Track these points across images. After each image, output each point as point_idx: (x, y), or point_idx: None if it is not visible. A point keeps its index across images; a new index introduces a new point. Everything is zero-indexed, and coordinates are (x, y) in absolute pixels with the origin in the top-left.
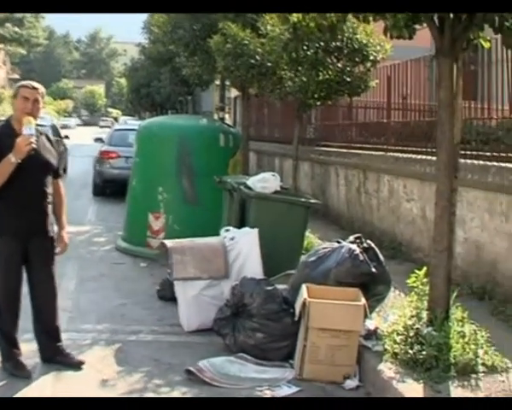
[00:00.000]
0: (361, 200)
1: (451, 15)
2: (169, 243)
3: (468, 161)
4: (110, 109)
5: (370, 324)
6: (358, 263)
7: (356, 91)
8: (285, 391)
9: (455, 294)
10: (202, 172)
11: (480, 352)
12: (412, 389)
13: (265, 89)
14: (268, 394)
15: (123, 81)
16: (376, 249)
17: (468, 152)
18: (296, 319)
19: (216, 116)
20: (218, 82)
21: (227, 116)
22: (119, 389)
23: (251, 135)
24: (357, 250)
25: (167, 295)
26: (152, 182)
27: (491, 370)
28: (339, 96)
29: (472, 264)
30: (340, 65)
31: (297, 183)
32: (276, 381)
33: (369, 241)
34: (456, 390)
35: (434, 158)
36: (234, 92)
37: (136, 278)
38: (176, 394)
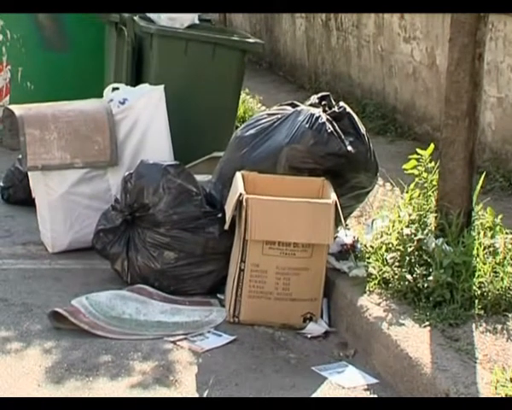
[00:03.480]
0: (331, 40)
1: None
2: (18, 109)
3: None
4: None
5: (346, 235)
6: (325, 138)
7: None
8: (212, 342)
9: (479, 185)
10: None
11: None
12: (413, 335)
13: None
14: (185, 346)
15: None
16: (354, 116)
17: None
18: (226, 227)
19: None
20: None
21: None
22: None
23: None
24: (323, 117)
25: (18, 195)
26: None
27: None
28: None
29: (510, 140)
30: None
31: (227, 14)
32: (196, 326)
33: (342, 103)
34: (484, 338)
35: None
36: None
37: None
38: (34, 352)
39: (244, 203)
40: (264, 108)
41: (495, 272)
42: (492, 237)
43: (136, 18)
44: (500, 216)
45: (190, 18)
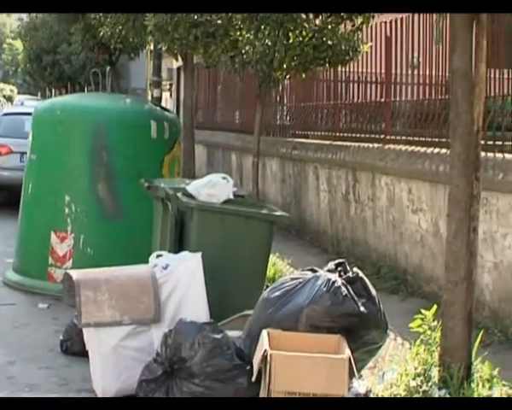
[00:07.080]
0: (350, 211)
1: None
2: (76, 273)
3: (499, 156)
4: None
5: (359, 385)
6: (340, 299)
7: (341, 59)
8: None
9: (478, 341)
10: (126, 174)
11: None
12: None
13: (215, 57)
14: None
15: (18, 44)
16: (366, 280)
17: (498, 142)
18: (254, 379)
19: (150, 95)
20: (152, 47)
21: (167, 95)
22: None
23: (198, 121)
24: (339, 282)
25: (75, 347)
26: (55, 188)
27: None
28: (317, 67)
29: (506, 299)
30: (318, 22)
31: (261, 188)
32: None
33: (355, 269)
34: None
35: None
36: (178, 62)
37: (31, 324)
38: None
39: (269, 358)
40: (292, 269)
41: None
42: (490, 388)
43: (179, 194)
44: (497, 369)
45: (226, 194)
